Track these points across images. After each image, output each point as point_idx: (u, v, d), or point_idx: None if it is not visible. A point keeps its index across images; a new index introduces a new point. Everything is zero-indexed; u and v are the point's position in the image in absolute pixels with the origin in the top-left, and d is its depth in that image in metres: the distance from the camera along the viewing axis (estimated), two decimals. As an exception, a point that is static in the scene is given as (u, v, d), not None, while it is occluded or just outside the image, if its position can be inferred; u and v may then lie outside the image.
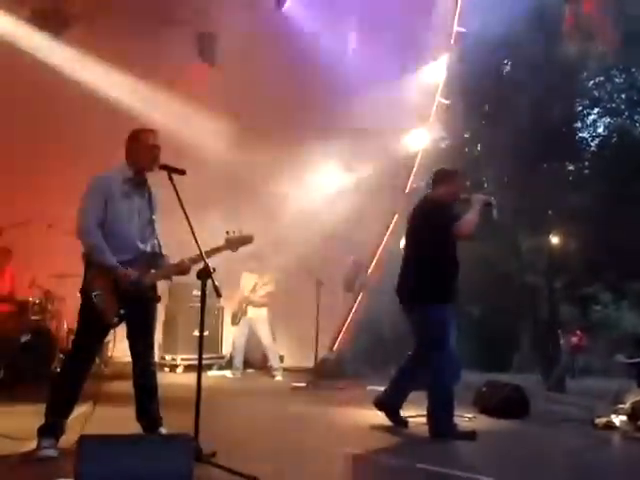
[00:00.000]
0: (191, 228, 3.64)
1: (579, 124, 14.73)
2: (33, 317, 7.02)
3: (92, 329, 3.87)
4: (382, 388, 7.27)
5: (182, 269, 4.02)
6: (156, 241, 4.11)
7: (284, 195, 8.59)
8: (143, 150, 4.00)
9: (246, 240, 4.06)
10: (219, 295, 3.61)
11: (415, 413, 5.38)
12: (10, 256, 7.43)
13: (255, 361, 9.23)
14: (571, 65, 12.11)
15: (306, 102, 8.70)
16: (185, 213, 3.66)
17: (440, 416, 4.84)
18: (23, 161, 8.02)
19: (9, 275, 7.43)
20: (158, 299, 4.15)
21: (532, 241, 12.79)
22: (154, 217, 4.11)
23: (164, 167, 3.83)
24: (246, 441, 4.48)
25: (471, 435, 4.77)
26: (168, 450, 2.92)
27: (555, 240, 12.17)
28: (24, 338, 6.71)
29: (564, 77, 12.53)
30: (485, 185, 12.83)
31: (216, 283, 3.58)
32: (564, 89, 12.92)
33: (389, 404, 5.26)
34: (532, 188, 12.04)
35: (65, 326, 7.49)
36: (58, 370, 6.78)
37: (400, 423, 5.18)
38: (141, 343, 4.06)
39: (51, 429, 3.75)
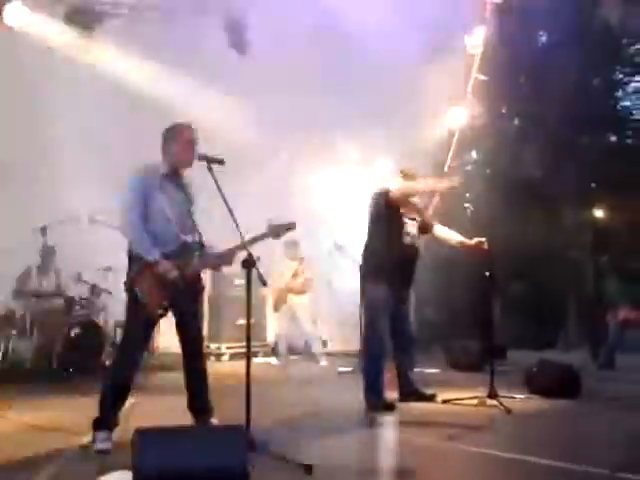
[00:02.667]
0: (232, 216, 3.62)
1: (620, 93, 14.26)
2: (81, 311, 7.15)
3: (139, 322, 3.90)
4: (428, 370, 7.31)
5: (225, 259, 4.03)
6: (197, 232, 4.12)
7: (320, 180, 8.55)
8: (181, 147, 4.01)
9: (289, 227, 4.02)
10: (264, 284, 3.60)
11: (460, 396, 5.40)
12: (55, 253, 7.55)
13: (299, 347, 9.26)
14: (610, 31, 11.69)
15: (339, 86, 8.61)
16: (226, 202, 3.65)
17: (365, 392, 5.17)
18: (65, 157, 8.11)
19: (55, 272, 7.57)
20: (202, 289, 4.17)
21: (576, 215, 12.48)
22: (192, 209, 4.12)
23: (203, 158, 3.80)
24: (297, 428, 4.49)
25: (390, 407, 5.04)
26: (223, 442, 2.93)
27: (600, 213, 11.88)
28: (73, 332, 6.83)
29: (603, 44, 12.13)
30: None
31: (261, 272, 3.57)
32: (604, 57, 12.52)
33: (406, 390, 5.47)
34: (574, 161, 11.74)
35: (112, 320, 7.60)
36: (107, 363, 6.90)
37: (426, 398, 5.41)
38: (190, 333, 4.09)
39: (105, 422, 3.80)
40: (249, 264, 3.55)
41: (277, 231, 3.99)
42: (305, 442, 3.95)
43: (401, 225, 5.28)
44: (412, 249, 5.38)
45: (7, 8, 7.36)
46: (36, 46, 7.56)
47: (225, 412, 4.10)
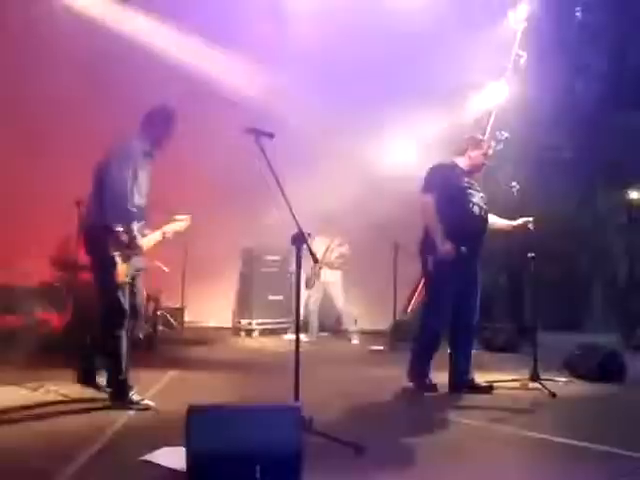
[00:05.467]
0: (282, 192, 3.52)
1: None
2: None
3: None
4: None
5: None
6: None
7: (358, 158, 8.41)
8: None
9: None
10: (315, 260, 3.52)
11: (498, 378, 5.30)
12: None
13: (329, 324, 9.21)
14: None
15: (370, 63, 8.45)
16: (276, 177, 3.55)
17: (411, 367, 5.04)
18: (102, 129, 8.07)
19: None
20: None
21: (609, 196, 12.24)
22: None
23: (251, 130, 3.69)
24: (340, 407, 4.42)
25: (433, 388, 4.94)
26: (277, 420, 2.86)
27: (634, 194, 11.63)
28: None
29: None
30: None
31: (312, 248, 3.49)
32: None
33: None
34: (609, 140, 11.49)
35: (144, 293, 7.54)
36: (141, 336, 6.89)
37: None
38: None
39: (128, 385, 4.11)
40: (299, 240, 3.47)
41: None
42: (350, 421, 3.90)
43: (467, 196, 4.99)
44: (481, 220, 5.05)
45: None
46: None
47: (261, 386, 4.05)
